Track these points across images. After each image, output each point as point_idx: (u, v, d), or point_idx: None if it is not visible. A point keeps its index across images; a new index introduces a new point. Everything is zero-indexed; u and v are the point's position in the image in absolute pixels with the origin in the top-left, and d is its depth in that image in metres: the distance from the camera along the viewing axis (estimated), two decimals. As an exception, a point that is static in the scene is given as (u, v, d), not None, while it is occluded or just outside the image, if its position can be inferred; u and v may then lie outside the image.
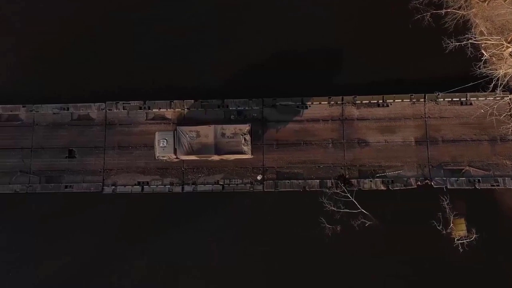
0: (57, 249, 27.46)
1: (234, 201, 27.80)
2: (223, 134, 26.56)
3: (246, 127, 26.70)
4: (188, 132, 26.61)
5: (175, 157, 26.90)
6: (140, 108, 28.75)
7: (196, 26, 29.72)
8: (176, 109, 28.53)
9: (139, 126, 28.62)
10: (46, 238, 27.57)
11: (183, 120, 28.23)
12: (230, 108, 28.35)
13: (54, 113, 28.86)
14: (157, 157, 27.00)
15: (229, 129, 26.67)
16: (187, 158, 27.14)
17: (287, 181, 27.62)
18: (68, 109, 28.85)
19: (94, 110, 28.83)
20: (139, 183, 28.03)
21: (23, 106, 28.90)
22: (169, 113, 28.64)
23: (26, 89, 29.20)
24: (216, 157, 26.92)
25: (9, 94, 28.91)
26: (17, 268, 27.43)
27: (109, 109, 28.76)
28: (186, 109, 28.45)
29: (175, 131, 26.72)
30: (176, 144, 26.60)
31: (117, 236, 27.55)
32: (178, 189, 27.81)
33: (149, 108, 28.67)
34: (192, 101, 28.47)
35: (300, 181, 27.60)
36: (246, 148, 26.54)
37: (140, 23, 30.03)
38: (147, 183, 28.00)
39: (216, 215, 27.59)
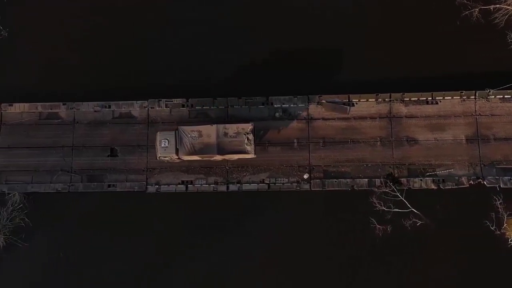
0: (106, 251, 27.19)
1: (279, 201, 27.41)
2: (225, 134, 26.12)
3: (249, 127, 26.20)
4: (190, 132, 26.12)
5: (176, 157, 26.41)
6: (183, 106, 28.23)
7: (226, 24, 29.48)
8: (219, 107, 28.07)
9: (182, 124, 28.08)
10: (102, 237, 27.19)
11: (227, 118, 27.74)
12: (275, 106, 27.84)
13: (95, 111, 28.35)
14: (159, 157, 26.46)
15: (232, 128, 26.19)
16: (189, 158, 26.67)
17: (335, 180, 27.07)
18: (109, 107, 28.33)
19: (136, 108, 28.31)
20: (182, 182, 27.60)
21: (63, 104, 28.40)
22: (212, 111, 28.16)
23: (66, 86, 28.86)
24: (218, 157, 26.51)
25: (49, 92, 28.52)
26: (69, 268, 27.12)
27: (151, 107, 28.27)
28: (229, 107, 28.00)
29: (177, 131, 26.22)
30: (178, 144, 26.13)
31: (162, 238, 27.20)
32: (223, 188, 27.28)
33: (192, 106, 28.18)
34: (236, 98, 27.98)
35: (348, 180, 27.05)
36: (249, 147, 26.04)
37: (178, 22, 29.75)
38: (191, 182, 27.55)
39: (263, 215, 27.20)
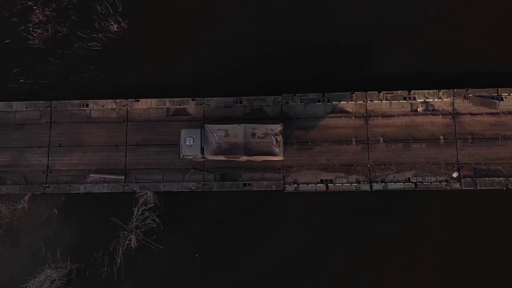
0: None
1: (424, 200, 25.91)
2: (253, 134, 25.05)
3: (278, 128, 25.08)
4: (216, 131, 25.09)
5: (201, 156, 25.37)
6: (319, 101, 26.91)
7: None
8: (358, 101, 26.66)
9: (318, 120, 26.81)
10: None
11: (371, 112, 26.39)
12: (418, 100, 26.24)
13: (225, 107, 27.20)
14: (182, 156, 25.44)
15: (260, 129, 25.13)
16: (214, 158, 25.61)
17: (487, 178, 25.44)
18: (241, 102, 27.14)
19: (269, 103, 27.02)
20: (321, 181, 26.22)
21: (192, 100, 27.32)
22: (349, 106, 26.78)
23: (189, 81, 27.76)
24: (244, 158, 25.44)
25: (180, 88, 27.52)
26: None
27: (285, 102, 27.01)
28: (368, 101, 26.59)
29: (202, 130, 25.20)
30: (203, 143, 24.98)
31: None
32: (366, 187, 25.85)
33: (328, 101, 26.84)
34: (376, 92, 26.57)
35: (501, 178, 25.40)
36: (278, 149, 24.97)
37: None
38: (331, 181, 26.16)
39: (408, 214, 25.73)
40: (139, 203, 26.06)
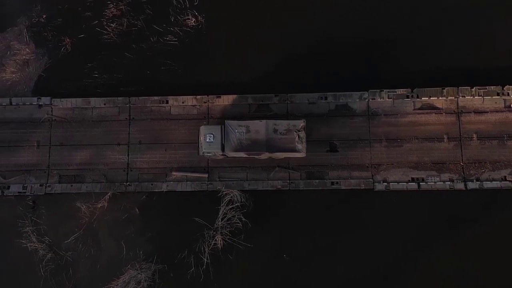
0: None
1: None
2: (275, 130, 24.33)
3: (300, 123, 24.36)
4: (237, 127, 24.35)
5: (221, 153, 24.67)
6: (407, 97, 26.06)
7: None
8: (449, 97, 25.81)
9: (407, 117, 25.89)
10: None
11: (462, 108, 25.52)
12: (512, 96, 25.53)
13: (309, 103, 26.41)
14: (202, 153, 24.73)
15: (282, 124, 24.42)
16: (235, 155, 24.91)
17: None
18: (326, 98, 26.38)
19: (355, 100, 26.25)
20: (412, 179, 25.38)
21: (275, 96, 26.53)
22: (439, 101, 25.92)
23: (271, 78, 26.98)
24: (266, 155, 24.77)
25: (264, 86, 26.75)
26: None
27: (372, 98, 26.18)
28: (460, 96, 25.73)
29: (223, 126, 24.46)
30: (223, 139, 24.21)
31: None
32: (460, 185, 24.97)
33: (417, 97, 25.97)
34: (468, 87, 25.71)
35: None
36: (301, 145, 24.21)
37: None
38: (423, 179, 25.32)
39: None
40: (224, 202, 25.32)
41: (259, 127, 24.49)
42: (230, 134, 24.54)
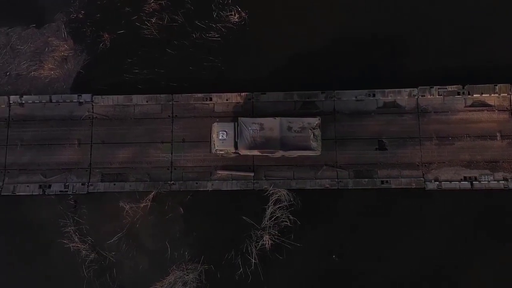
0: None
1: None
2: (289, 128, 23.88)
3: (315, 121, 23.90)
4: (251, 124, 23.88)
5: (234, 151, 24.16)
6: (458, 94, 25.44)
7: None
8: (501, 94, 25.18)
9: (458, 114, 25.28)
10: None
11: (513, 107, 24.97)
12: None
13: (357, 100, 25.81)
14: (215, 150, 24.26)
15: (297, 122, 23.95)
16: (248, 153, 24.39)
17: None
18: (374, 95, 25.76)
19: (404, 96, 25.60)
20: (465, 178, 24.76)
21: (322, 93, 25.91)
22: (491, 98, 25.27)
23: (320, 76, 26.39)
24: (280, 153, 24.27)
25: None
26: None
27: (421, 95, 25.55)
28: (512, 94, 25.14)
29: (236, 123, 23.96)
30: (236, 137, 23.70)
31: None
32: (515, 184, 24.47)
33: (468, 94, 25.34)
34: (525, 85, 25.08)
35: None
36: (316, 144, 23.72)
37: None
38: (475, 178, 24.70)
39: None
40: (270, 201, 24.76)
41: (273, 125, 24.01)
42: (244, 131, 24.04)
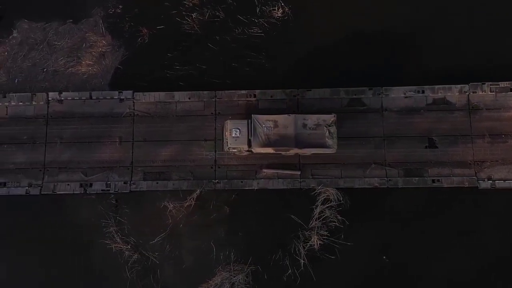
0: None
1: None
2: (304, 125, 23.23)
3: (331, 118, 23.25)
4: (265, 122, 23.25)
5: (246, 149, 23.58)
6: (511, 90, 24.76)
7: None
8: None
9: (511, 111, 24.65)
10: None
11: None
12: None
13: (405, 97, 25.14)
14: (228, 148, 23.69)
15: (312, 119, 23.30)
16: (261, 151, 23.78)
17: None
18: (423, 92, 25.09)
19: (455, 93, 24.93)
20: (519, 177, 24.16)
21: (369, 89, 25.28)
22: (558, 95, 24.59)
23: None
24: (294, 151, 23.64)
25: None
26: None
27: (472, 92, 24.89)
28: None
29: (249, 120, 23.34)
30: (250, 134, 23.13)
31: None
32: None
33: (519, 89, 24.75)
34: None
35: None
36: (331, 141, 23.09)
37: None
38: (530, 177, 24.09)
39: None
40: (318, 200, 24.13)
41: (288, 122, 23.38)
42: (258, 129, 23.41)
